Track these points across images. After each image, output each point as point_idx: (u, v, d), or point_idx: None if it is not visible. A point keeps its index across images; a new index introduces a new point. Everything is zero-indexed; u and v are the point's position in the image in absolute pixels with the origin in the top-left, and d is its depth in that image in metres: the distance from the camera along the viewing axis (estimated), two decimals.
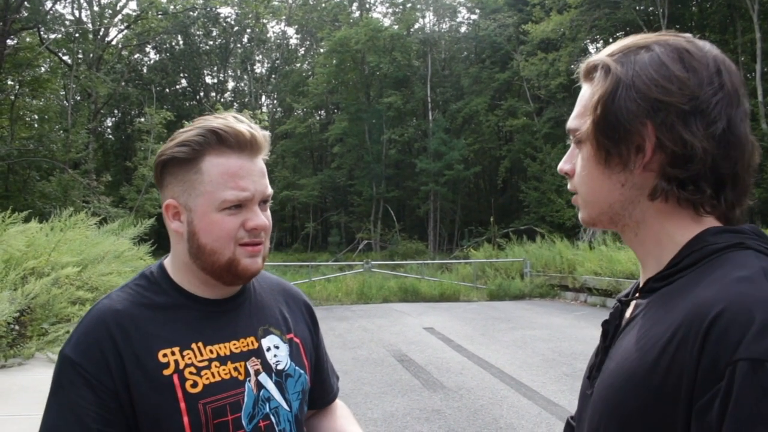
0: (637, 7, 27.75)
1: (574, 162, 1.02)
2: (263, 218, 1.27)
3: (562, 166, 1.04)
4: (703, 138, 0.88)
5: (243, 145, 1.25)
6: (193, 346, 1.26)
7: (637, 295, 1.00)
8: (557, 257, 17.69)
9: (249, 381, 1.29)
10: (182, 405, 1.20)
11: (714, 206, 0.92)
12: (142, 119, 33.04)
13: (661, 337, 0.84)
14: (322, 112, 48.43)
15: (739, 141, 0.91)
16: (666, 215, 0.94)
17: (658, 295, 0.93)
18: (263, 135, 1.28)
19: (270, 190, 1.29)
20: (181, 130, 1.29)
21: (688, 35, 0.96)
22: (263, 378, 1.31)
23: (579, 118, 0.99)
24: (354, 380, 7.46)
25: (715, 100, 0.90)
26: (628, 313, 1.01)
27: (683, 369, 0.80)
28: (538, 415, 6.02)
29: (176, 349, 1.24)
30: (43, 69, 28.86)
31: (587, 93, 0.98)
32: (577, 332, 10.69)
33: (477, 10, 39.62)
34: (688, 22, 30.45)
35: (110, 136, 46.22)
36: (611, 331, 1.03)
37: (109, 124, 46.44)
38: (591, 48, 33.56)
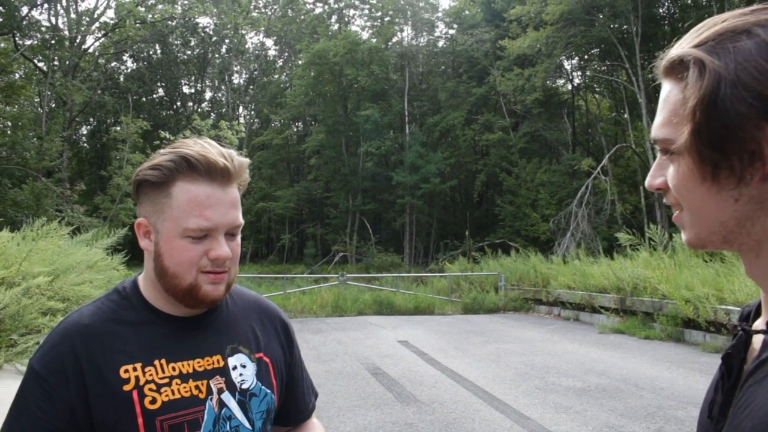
0: (612, 25, 28.19)
1: (665, 174, 0.86)
2: (226, 249, 1.28)
3: (652, 182, 0.88)
4: None
5: (214, 173, 1.26)
6: (156, 362, 1.28)
7: (762, 326, 0.84)
8: (531, 271, 17.81)
9: (211, 399, 1.30)
10: (140, 420, 1.22)
11: None
12: (118, 128, 32.74)
13: None
14: (300, 123, 48.45)
15: None
16: None
17: None
18: (239, 163, 1.30)
19: (239, 221, 1.30)
20: (161, 150, 1.32)
21: None
22: (226, 396, 1.32)
23: (668, 126, 0.83)
24: (327, 393, 7.45)
25: None
26: (755, 346, 0.84)
27: None
28: (510, 429, 6.06)
29: (138, 365, 1.26)
30: (17, 75, 28.53)
31: (674, 95, 0.82)
32: (550, 346, 10.77)
33: (455, 25, 39.94)
34: (660, 41, 30.97)
35: (85, 145, 45.78)
36: (737, 366, 0.85)
37: (84, 132, 46.01)
38: (566, 64, 34.02)
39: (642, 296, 12.52)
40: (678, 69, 0.81)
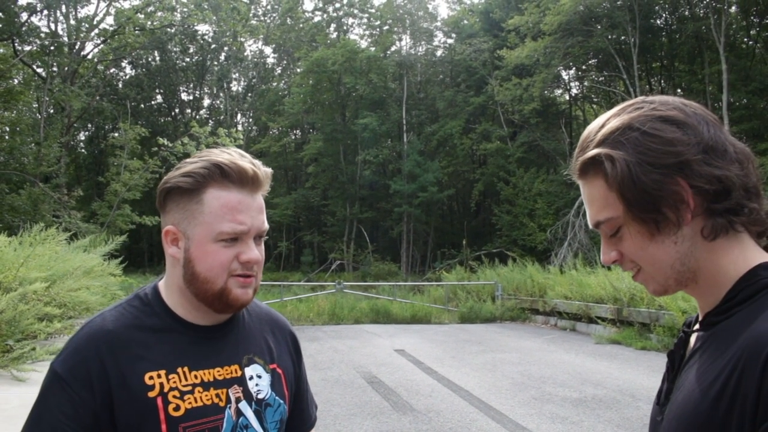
0: (609, 36, 28.31)
1: (616, 248, 1.06)
2: (257, 252, 1.32)
3: (608, 257, 1.08)
4: (728, 166, 0.97)
5: (245, 181, 1.30)
6: (179, 370, 1.30)
7: (697, 327, 1.06)
8: (528, 281, 17.81)
9: (229, 408, 1.32)
10: (163, 427, 1.24)
11: (756, 221, 1.00)
12: (116, 134, 32.77)
13: (722, 371, 0.91)
14: (298, 131, 48.47)
15: (746, 154, 1.01)
16: (718, 253, 1.00)
17: (717, 329, 0.99)
18: (265, 172, 1.33)
19: (266, 226, 1.34)
20: (187, 160, 1.35)
21: (641, 98, 1.05)
22: (243, 406, 1.35)
23: (605, 210, 1.04)
24: (323, 401, 7.43)
25: (712, 133, 0.98)
26: (692, 343, 1.08)
27: (746, 399, 0.85)
28: None
29: (162, 372, 1.28)
30: (16, 81, 28.51)
31: (598, 187, 1.04)
32: (547, 356, 10.77)
33: (453, 35, 40.06)
34: (658, 52, 31.12)
35: (83, 151, 45.81)
36: (677, 359, 1.09)
37: (83, 138, 46.04)
38: (564, 74, 34.12)
39: (639, 307, 12.53)
40: (591, 168, 1.03)
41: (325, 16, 43.89)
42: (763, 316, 0.91)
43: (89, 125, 44.16)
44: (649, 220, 0.99)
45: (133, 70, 46.50)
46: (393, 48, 41.22)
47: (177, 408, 1.26)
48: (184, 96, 50.46)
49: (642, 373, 9.07)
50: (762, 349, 0.85)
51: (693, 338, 1.08)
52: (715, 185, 0.96)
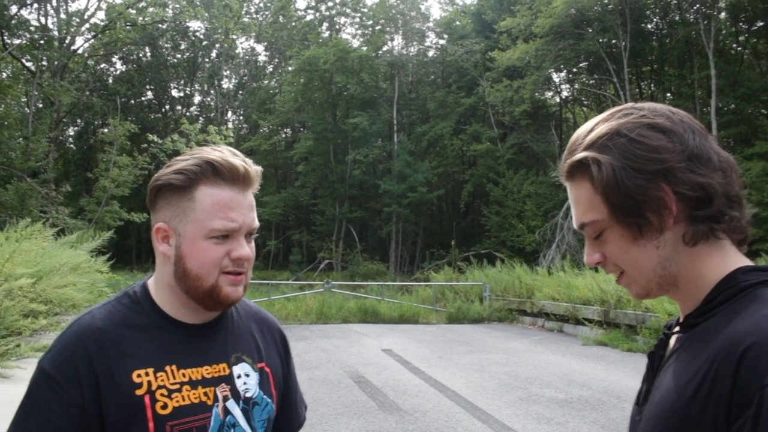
0: (600, 40, 28.42)
1: (599, 250, 1.09)
2: (247, 249, 1.32)
3: (591, 259, 1.12)
4: (711, 174, 0.99)
5: (236, 178, 1.30)
6: (167, 368, 1.29)
7: (677, 329, 1.09)
8: (516, 282, 17.85)
9: (217, 406, 1.32)
10: (151, 425, 1.23)
11: (737, 228, 1.02)
12: (106, 130, 32.63)
13: (698, 370, 0.93)
14: (288, 130, 48.39)
15: (730, 163, 1.03)
16: (698, 259, 1.03)
17: (696, 330, 1.02)
18: (255, 170, 1.34)
19: (257, 224, 1.34)
20: (178, 158, 1.35)
21: (630, 104, 1.07)
22: (231, 404, 1.34)
23: (590, 212, 1.06)
24: (310, 401, 7.39)
25: (697, 142, 1.01)
26: (671, 344, 1.10)
27: (720, 398, 0.88)
28: None
29: (150, 371, 1.27)
30: (4, 75, 28.30)
31: (584, 189, 1.06)
32: (534, 357, 10.80)
33: (445, 36, 40.10)
34: (648, 56, 31.28)
35: (72, 146, 45.49)
36: (656, 361, 1.12)
37: (71, 134, 45.72)
38: (555, 77, 34.21)
39: (625, 309, 12.59)
40: (579, 170, 1.06)
41: (317, 14, 43.83)
42: (739, 318, 0.93)
43: (78, 120, 43.88)
44: (632, 224, 1.02)
45: (124, 66, 46.24)
46: (385, 48, 41.25)
47: (164, 406, 1.26)
48: (174, 92, 50.31)
49: (628, 375, 9.12)
50: (735, 349, 0.88)
51: (673, 340, 1.11)
52: (697, 192, 0.98)
